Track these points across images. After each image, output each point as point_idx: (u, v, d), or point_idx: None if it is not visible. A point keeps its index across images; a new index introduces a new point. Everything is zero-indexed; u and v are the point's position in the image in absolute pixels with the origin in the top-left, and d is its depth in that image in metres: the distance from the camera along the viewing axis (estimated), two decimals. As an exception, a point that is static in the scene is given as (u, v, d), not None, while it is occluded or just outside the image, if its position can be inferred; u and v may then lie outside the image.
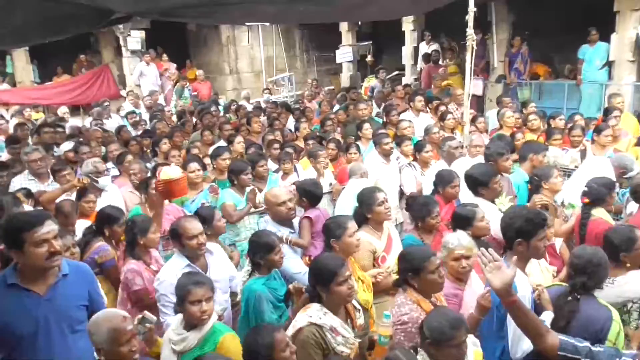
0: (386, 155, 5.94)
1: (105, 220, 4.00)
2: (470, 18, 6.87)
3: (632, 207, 4.41)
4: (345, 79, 14.53)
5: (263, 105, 11.29)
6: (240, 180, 5.07)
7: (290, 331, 2.69)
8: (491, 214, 3.88)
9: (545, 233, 2.92)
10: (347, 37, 14.12)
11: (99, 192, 5.11)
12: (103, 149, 7.19)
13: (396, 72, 13.62)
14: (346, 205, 4.80)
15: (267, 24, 13.16)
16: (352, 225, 3.43)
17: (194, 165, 5.37)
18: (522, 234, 2.85)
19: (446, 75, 10.91)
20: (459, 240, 3.24)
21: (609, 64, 9.42)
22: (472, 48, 7.14)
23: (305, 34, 15.53)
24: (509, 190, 4.71)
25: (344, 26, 13.99)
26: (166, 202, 4.50)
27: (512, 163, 5.15)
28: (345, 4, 7.70)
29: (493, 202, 4.28)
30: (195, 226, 3.44)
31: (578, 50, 9.73)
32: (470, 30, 6.97)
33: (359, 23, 13.93)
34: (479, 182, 4.28)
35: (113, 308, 2.97)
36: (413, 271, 2.90)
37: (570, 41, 10.02)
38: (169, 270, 3.37)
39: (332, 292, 2.71)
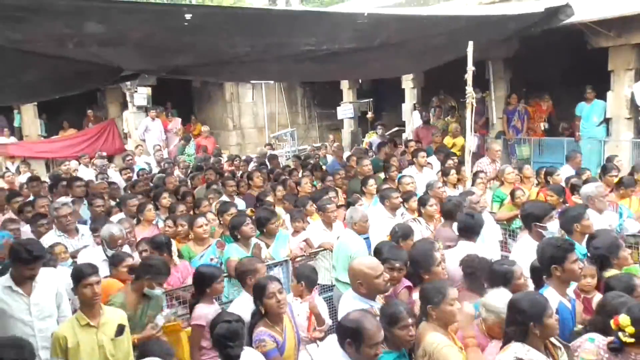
0: (394, 209, 6.00)
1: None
2: (469, 76, 7.11)
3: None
4: (346, 135, 14.78)
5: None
6: (242, 233, 5.06)
7: None
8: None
9: (576, 256, 3.42)
10: (348, 94, 14.47)
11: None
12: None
13: (396, 128, 13.87)
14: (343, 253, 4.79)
15: (272, 81, 13.53)
16: (452, 292, 3.22)
17: (201, 220, 5.39)
18: (555, 260, 3.39)
19: (452, 132, 11.15)
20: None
21: (607, 121, 9.60)
22: (472, 105, 7.36)
23: (307, 90, 15.94)
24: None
25: (345, 83, 14.37)
26: (176, 258, 4.52)
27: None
28: (347, 62, 7.99)
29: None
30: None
31: (575, 108, 9.95)
32: (469, 89, 7.20)
33: (360, 81, 14.31)
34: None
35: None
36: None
37: (567, 98, 10.27)
38: None
39: (546, 326, 2.82)
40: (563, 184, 7.05)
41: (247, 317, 3.59)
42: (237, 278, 4.13)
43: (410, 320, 3.04)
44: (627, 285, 3.35)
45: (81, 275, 3.51)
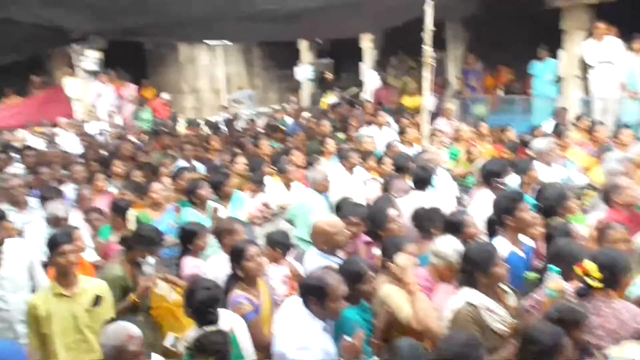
0: (352, 168, 6.07)
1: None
2: (427, 36, 7.13)
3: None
4: (305, 96, 14.68)
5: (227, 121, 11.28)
6: (198, 197, 5.02)
7: (448, 314, 2.92)
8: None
9: (526, 205, 3.63)
10: (306, 55, 14.30)
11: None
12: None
13: (355, 89, 13.86)
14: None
15: (228, 42, 13.20)
16: (409, 247, 3.36)
17: (157, 186, 5.31)
18: (507, 210, 3.58)
19: (410, 91, 11.25)
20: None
21: (558, 80, 9.85)
22: (431, 65, 7.41)
23: (265, 52, 15.64)
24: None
25: (303, 44, 14.18)
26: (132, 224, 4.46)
27: None
28: (306, 23, 7.88)
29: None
30: None
31: (529, 66, 10.15)
32: (427, 48, 7.23)
33: (319, 41, 14.15)
34: None
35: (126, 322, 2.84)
36: None
37: (522, 57, 10.44)
38: None
39: (489, 275, 2.97)
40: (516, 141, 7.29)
41: (220, 276, 3.60)
42: (215, 236, 4.14)
43: (372, 275, 3.15)
44: (566, 232, 3.55)
45: (55, 243, 3.41)
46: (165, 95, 13.51)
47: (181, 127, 11.15)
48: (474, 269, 3.00)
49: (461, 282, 3.08)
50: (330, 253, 3.79)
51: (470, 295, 2.95)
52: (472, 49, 11.34)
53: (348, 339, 2.76)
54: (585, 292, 2.86)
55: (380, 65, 13.01)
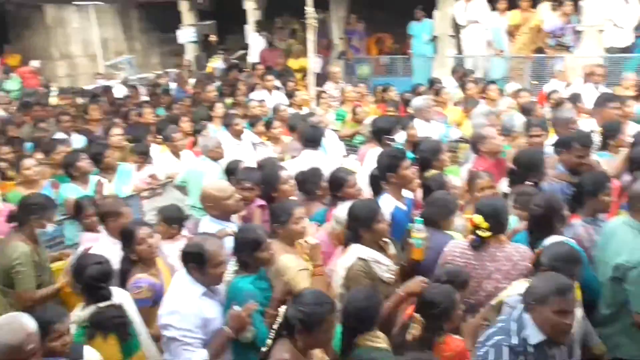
0: (238, 134, 6.02)
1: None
2: (309, -3, 7.16)
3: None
4: (189, 60, 14.13)
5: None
6: (78, 170, 4.75)
7: (343, 269, 3.03)
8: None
9: (408, 163, 3.76)
10: (188, 17, 13.70)
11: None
12: None
13: (241, 52, 13.60)
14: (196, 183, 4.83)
15: (99, 2, 12.29)
16: (298, 211, 3.33)
17: (29, 162, 4.92)
18: (390, 168, 3.70)
19: (296, 53, 11.26)
20: None
21: (434, 39, 10.38)
22: (313, 26, 7.47)
23: (143, 14, 14.75)
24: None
25: (184, 5, 13.56)
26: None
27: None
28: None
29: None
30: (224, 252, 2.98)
31: (408, 27, 10.57)
32: (310, 9, 7.26)
33: (199, 1, 13.61)
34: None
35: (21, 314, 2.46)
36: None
37: (400, 18, 10.83)
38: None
39: (373, 231, 3.09)
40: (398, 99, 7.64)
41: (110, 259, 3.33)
42: (99, 219, 3.85)
43: (268, 241, 3.11)
44: (440, 183, 3.86)
45: None
46: (34, 63, 12.34)
47: (54, 97, 10.31)
48: (358, 226, 3.13)
49: (348, 239, 3.20)
50: (223, 219, 3.76)
51: (359, 250, 3.12)
52: (354, 9, 11.55)
53: (236, 308, 2.74)
54: (478, 244, 3.08)
55: (265, 27, 12.84)
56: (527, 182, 3.79)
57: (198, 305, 2.80)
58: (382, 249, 3.23)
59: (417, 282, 2.90)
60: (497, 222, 3.05)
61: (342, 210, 3.46)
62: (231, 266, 3.09)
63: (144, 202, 5.15)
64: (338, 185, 3.96)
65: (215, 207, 3.76)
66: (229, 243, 3.19)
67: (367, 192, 4.18)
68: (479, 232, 3.04)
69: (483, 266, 3.06)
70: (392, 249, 3.31)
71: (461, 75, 8.35)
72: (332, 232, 3.54)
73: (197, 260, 2.82)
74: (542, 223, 3.14)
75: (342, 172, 4.08)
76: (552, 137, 4.85)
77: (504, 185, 4.11)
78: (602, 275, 3.06)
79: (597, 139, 4.84)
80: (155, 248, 3.40)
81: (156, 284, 3.27)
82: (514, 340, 2.32)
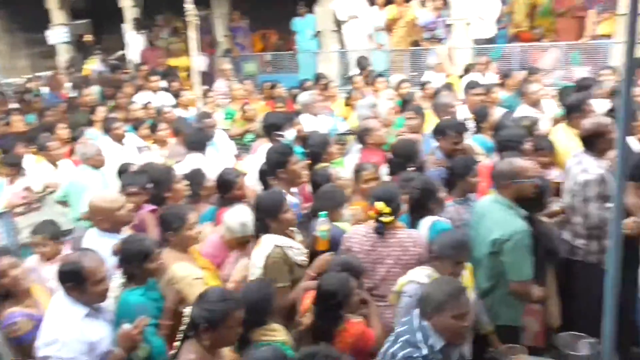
0: (120, 138, 5.76)
1: None
2: (188, -6, 6.95)
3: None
4: (63, 63, 13.19)
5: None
6: None
7: (261, 259, 3.08)
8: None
9: (297, 158, 3.91)
10: (58, 16, 12.77)
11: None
12: None
13: (120, 52, 12.94)
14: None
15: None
16: (192, 216, 3.27)
17: None
18: (279, 164, 3.83)
19: (177, 52, 10.95)
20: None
21: (318, 34, 10.57)
22: (195, 24, 7.28)
23: (6, 12, 13.50)
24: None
25: (53, 2, 12.61)
26: None
27: None
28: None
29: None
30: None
31: (291, 23, 10.66)
32: (190, 6, 7.07)
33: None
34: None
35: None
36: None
37: (283, 14, 10.90)
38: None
39: (281, 220, 3.19)
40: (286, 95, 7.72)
41: None
42: None
43: (159, 251, 3.02)
44: (326, 176, 3.99)
45: None
46: None
47: None
48: (265, 216, 3.21)
49: (257, 229, 3.27)
50: (114, 231, 3.54)
51: (272, 239, 3.16)
52: (237, 6, 11.44)
53: (126, 326, 2.62)
54: (383, 230, 3.21)
55: (145, 26, 12.32)
56: (408, 169, 4.00)
57: (81, 328, 2.60)
58: (289, 237, 3.29)
59: (323, 259, 3.07)
60: (397, 206, 3.23)
61: (230, 216, 3.44)
62: (117, 280, 2.96)
63: (19, 218, 4.76)
64: (227, 187, 3.94)
65: (106, 219, 3.52)
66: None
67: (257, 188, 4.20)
68: (383, 219, 3.17)
69: (376, 252, 3.21)
70: (298, 237, 3.40)
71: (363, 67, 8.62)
72: (222, 237, 3.51)
73: (75, 279, 2.62)
74: (419, 205, 3.39)
75: (231, 173, 4.05)
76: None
77: (383, 173, 4.32)
78: (479, 252, 3.29)
79: (471, 124, 5.24)
80: (22, 279, 3.03)
81: (34, 314, 2.93)
82: (425, 351, 2.39)
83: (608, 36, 8.07)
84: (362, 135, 4.78)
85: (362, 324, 2.81)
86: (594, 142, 3.74)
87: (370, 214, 3.23)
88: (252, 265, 3.16)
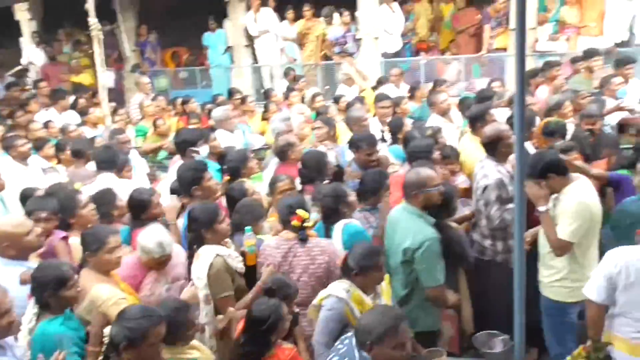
0: (24, 158, 5.39)
1: None
2: (91, 6, 6.67)
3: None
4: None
5: None
6: None
7: (204, 270, 3.11)
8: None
9: (211, 174, 3.90)
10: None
11: None
12: None
13: (19, 67, 12.15)
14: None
15: None
16: (113, 239, 3.16)
17: None
18: (194, 182, 3.84)
19: (79, 68, 10.47)
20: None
21: (230, 49, 10.51)
22: (99, 38, 6.98)
23: None
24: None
25: None
26: None
27: None
28: None
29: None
30: None
31: (202, 38, 10.53)
32: (93, 20, 6.78)
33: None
34: None
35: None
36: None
37: (194, 28, 10.74)
38: None
39: (217, 231, 3.25)
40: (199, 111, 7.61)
41: None
42: None
43: (76, 277, 2.86)
44: (240, 190, 4.00)
45: None
46: None
47: None
48: (200, 228, 3.27)
49: (191, 241, 3.34)
50: (20, 258, 3.30)
51: (212, 249, 3.20)
52: (144, 20, 11.14)
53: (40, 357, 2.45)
54: (305, 237, 3.30)
55: (45, 40, 11.68)
56: (323, 182, 4.08)
57: None
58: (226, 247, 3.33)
59: (269, 270, 3.18)
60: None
61: (146, 237, 3.34)
62: (29, 310, 2.77)
63: None
64: (141, 207, 3.83)
65: (13, 245, 3.27)
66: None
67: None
68: (306, 224, 3.28)
69: (287, 262, 3.29)
70: (232, 247, 3.43)
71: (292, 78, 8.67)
72: (139, 258, 3.39)
73: None
74: (331, 210, 3.54)
75: (144, 192, 3.94)
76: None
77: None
78: (394, 261, 3.40)
79: (387, 136, 5.44)
80: None
81: None
82: None
83: (504, 49, 8.66)
84: (283, 150, 4.80)
85: (292, 350, 2.84)
86: (494, 147, 4.00)
87: (294, 223, 3.29)
88: (195, 278, 3.17)
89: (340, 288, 2.95)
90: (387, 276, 3.21)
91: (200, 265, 3.16)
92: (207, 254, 3.17)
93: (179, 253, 3.50)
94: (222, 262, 3.16)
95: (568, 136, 4.70)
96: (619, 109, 5.60)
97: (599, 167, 4.27)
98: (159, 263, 3.34)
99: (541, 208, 3.38)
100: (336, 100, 7.24)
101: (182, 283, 3.40)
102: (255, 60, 10.39)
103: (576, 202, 3.32)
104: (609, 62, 7.05)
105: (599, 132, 4.96)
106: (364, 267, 2.91)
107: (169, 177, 4.95)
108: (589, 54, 6.93)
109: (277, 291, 2.91)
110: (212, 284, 3.11)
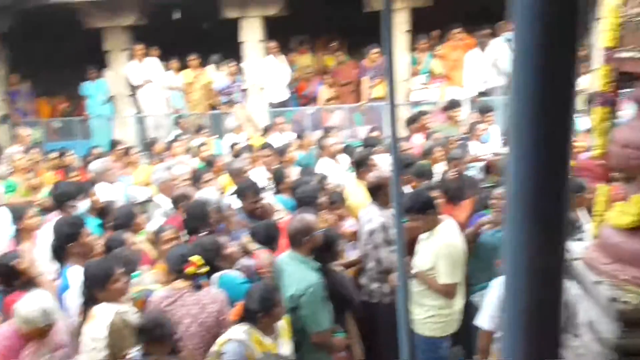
0: None
1: None
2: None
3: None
4: None
5: None
6: None
7: (102, 330, 2.96)
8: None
9: (88, 230, 3.72)
10: None
11: None
12: None
13: None
14: None
15: None
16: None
17: None
18: (70, 238, 3.67)
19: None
20: None
21: (111, 99, 10.14)
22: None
23: None
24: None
25: None
26: None
27: None
28: None
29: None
30: None
31: (80, 87, 10.08)
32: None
33: None
34: None
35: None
36: None
37: (71, 77, 10.25)
38: None
39: (111, 291, 3.11)
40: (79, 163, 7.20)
41: None
42: None
43: None
44: (119, 241, 3.88)
45: None
46: None
47: None
48: (93, 287, 3.13)
49: (85, 299, 3.19)
50: None
51: (108, 307, 3.07)
52: (15, 68, 10.46)
53: None
54: (200, 283, 3.21)
55: None
56: (203, 233, 4.03)
57: None
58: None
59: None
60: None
61: (27, 305, 3.07)
62: None
63: None
64: (9, 274, 3.50)
65: None
66: None
67: (46, 264, 3.82)
68: (201, 271, 3.23)
69: (172, 312, 3.19)
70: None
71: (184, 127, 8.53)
72: (18, 328, 3.08)
73: None
74: (208, 264, 3.46)
75: (9, 257, 3.62)
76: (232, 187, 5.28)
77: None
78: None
79: (271, 184, 5.49)
80: None
81: None
82: None
83: (382, 98, 9.20)
84: (178, 200, 4.70)
85: None
86: (377, 193, 4.21)
87: (189, 270, 3.23)
88: (91, 340, 2.97)
89: (239, 331, 2.94)
90: (287, 317, 3.21)
91: (96, 325, 2.99)
92: (102, 314, 3.02)
93: (59, 317, 3.25)
94: (122, 320, 3.04)
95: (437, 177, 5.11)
96: (477, 159, 6.15)
97: (464, 207, 4.66)
98: (41, 333, 3.07)
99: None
100: (231, 147, 7.27)
101: (66, 351, 3.15)
102: (138, 110, 10.11)
103: (445, 243, 3.60)
104: (474, 109, 7.78)
105: (461, 174, 5.41)
106: (267, 306, 2.94)
107: (44, 236, 4.58)
108: (451, 104, 7.66)
109: (152, 331, 2.85)
110: (113, 343, 2.95)
